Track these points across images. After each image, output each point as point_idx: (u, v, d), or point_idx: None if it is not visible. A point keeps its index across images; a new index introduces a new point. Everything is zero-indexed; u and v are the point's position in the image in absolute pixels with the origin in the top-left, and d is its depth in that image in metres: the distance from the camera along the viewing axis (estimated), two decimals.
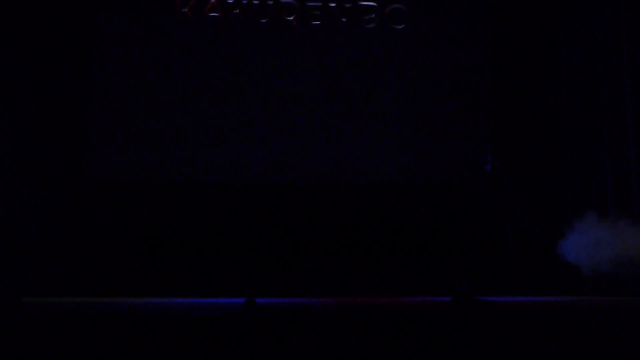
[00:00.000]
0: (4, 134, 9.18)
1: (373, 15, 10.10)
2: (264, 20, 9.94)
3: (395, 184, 9.79)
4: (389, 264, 9.48)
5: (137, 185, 9.52)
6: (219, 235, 9.42)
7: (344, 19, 10.05)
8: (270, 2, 9.97)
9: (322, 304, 7.05)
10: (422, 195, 9.79)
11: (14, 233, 9.02)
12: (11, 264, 8.86)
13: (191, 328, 4.43)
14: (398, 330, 4.41)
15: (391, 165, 9.83)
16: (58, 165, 9.36)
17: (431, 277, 9.37)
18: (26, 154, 9.27)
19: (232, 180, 9.65)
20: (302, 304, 7.05)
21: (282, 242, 9.50)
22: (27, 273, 8.91)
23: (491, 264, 6.87)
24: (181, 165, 9.60)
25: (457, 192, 9.68)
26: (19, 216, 9.11)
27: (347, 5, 10.07)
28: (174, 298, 8.51)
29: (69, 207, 9.28)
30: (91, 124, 9.54)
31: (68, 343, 3.63)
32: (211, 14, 9.89)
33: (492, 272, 6.89)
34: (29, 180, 9.21)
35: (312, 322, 4.91)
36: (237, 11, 9.93)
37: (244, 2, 9.95)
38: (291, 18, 9.98)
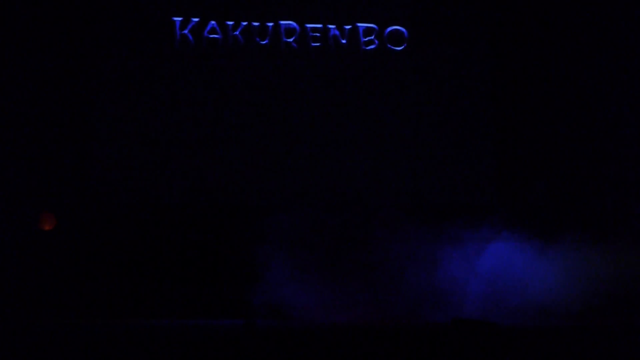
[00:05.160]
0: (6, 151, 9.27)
1: (373, 37, 10.15)
2: (264, 42, 9.99)
3: (393, 207, 9.77)
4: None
5: (137, 207, 9.52)
6: (217, 255, 9.41)
7: (343, 41, 10.10)
8: (270, 24, 10.03)
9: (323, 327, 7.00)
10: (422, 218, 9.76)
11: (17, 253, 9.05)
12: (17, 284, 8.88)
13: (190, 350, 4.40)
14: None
15: (390, 187, 9.82)
16: (62, 185, 9.40)
17: None
18: (29, 172, 9.31)
19: (233, 203, 9.64)
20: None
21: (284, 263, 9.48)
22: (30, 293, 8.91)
23: None
24: (181, 186, 9.59)
25: (458, 215, 9.68)
26: (22, 236, 9.13)
27: (347, 27, 10.12)
28: (170, 319, 8.48)
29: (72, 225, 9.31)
30: (94, 146, 9.55)
31: None
32: (211, 36, 9.93)
33: None
34: (31, 198, 9.25)
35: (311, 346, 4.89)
36: (237, 33, 9.98)
37: (244, 24, 10.00)
38: (291, 40, 10.03)
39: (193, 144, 9.68)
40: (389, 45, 10.16)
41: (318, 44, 10.07)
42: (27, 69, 9.46)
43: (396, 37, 10.19)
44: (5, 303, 8.69)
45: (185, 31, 9.90)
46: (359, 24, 10.14)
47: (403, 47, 10.18)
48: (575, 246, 9.42)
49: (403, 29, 10.20)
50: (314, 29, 10.09)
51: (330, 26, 10.10)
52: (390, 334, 5.83)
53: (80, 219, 9.40)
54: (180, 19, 9.90)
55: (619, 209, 9.69)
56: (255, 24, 10.01)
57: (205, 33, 9.94)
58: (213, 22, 9.95)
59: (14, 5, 9.49)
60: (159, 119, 9.69)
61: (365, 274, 9.54)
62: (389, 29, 10.18)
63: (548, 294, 9.32)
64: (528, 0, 10.21)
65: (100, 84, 9.68)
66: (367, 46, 10.13)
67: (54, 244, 9.24)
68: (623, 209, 9.68)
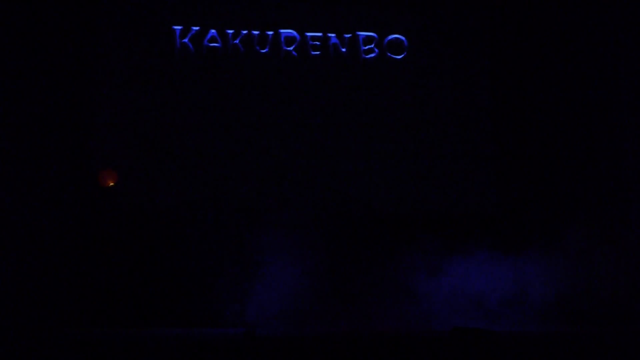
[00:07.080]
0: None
1: (373, 46, 10.17)
2: (263, 51, 10.01)
3: (393, 216, 9.78)
4: None
5: (136, 212, 9.53)
6: (216, 261, 9.41)
7: (343, 50, 10.13)
8: (270, 33, 10.05)
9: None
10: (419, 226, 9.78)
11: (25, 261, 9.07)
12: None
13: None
14: None
15: (390, 195, 9.83)
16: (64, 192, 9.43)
17: None
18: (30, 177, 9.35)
19: (232, 208, 9.64)
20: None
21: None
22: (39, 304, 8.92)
23: None
24: (181, 192, 9.58)
25: (458, 223, 9.69)
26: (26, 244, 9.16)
27: (347, 36, 10.15)
28: (169, 328, 8.46)
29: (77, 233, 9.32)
30: (95, 152, 9.56)
31: None
32: (211, 44, 9.96)
33: None
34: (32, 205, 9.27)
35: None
36: (237, 42, 10.01)
37: (244, 32, 10.03)
38: (291, 48, 10.06)
39: (193, 151, 9.67)
40: (388, 54, 10.19)
41: (318, 53, 10.09)
42: (27, 79, 9.47)
43: (396, 45, 10.22)
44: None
45: (186, 40, 9.91)
46: (359, 33, 10.17)
47: (403, 55, 10.20)
48: (577, 252, 9.46)
49: (403, 38, 10.22)
50: (314, 38, 10.12)
51: (330, 35, 10.13)
52: (391, 342, 5.82)
53: (78, 222, 9.40)
54: (180, 27, 9.92)
55: (621, 214, 9.71)
56: (255, 32, 10.04)
57: (206, 41, 9.96)
58: (213, 30, 9.98)
59: (12, 16, 9.54)
60: (159, 126, 9.68)
61: (365, 282, 9.55)
62: (389, 37, 10.21)
63: (549, 300, 9.35)
64: (528, 9, 10.26)
65: (101, 92, 9.68)
66: (367, 55, 10.15)
67: (52, 246, 9.24)
68: (624, 215, 9.70)
